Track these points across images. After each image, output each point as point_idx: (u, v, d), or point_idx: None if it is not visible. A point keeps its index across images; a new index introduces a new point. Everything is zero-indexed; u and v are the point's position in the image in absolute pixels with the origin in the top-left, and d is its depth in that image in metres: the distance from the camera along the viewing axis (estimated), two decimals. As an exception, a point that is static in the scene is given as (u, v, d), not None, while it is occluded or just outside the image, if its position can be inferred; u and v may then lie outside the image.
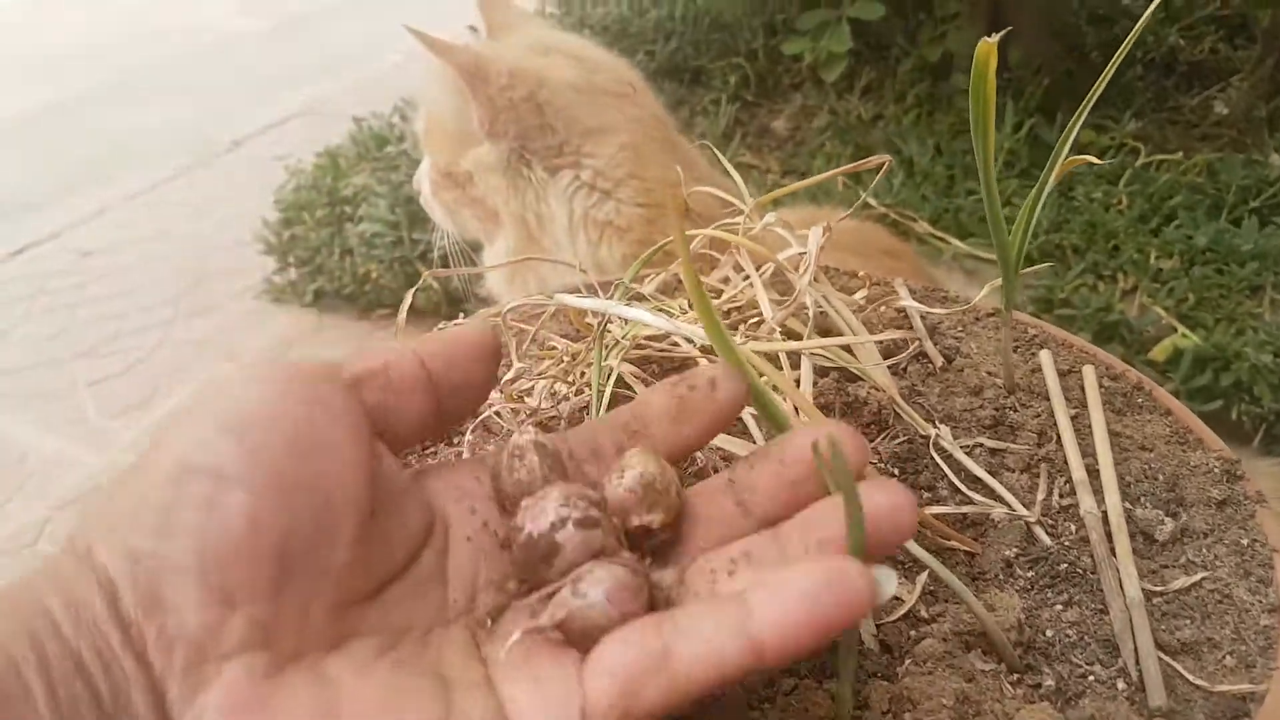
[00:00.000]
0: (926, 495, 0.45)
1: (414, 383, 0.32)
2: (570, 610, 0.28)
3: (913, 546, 0.40)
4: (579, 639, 0.29)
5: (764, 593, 0.27)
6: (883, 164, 0.59)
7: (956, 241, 1.42)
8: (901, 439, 0.48)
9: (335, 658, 0.28)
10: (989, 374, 0.52)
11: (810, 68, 2.13)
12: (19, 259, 2.09)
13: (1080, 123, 0.44)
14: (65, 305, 1.92)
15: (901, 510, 0.29)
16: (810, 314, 0.48)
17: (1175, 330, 1.28)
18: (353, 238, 1.64)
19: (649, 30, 2.25)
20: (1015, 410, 0.50)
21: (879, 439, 0.48)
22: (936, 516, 0.42)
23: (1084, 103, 0.43)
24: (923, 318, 0.56)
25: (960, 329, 0.57)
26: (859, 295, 0.50)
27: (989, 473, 0.46)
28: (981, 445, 0.48)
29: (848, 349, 0.49)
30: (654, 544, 0.33)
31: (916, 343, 0.49)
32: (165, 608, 0.26)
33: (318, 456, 0.29)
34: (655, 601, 0.30)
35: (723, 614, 0.27)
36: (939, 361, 0.53)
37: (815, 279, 0.48)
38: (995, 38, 0.37)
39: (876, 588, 0.26)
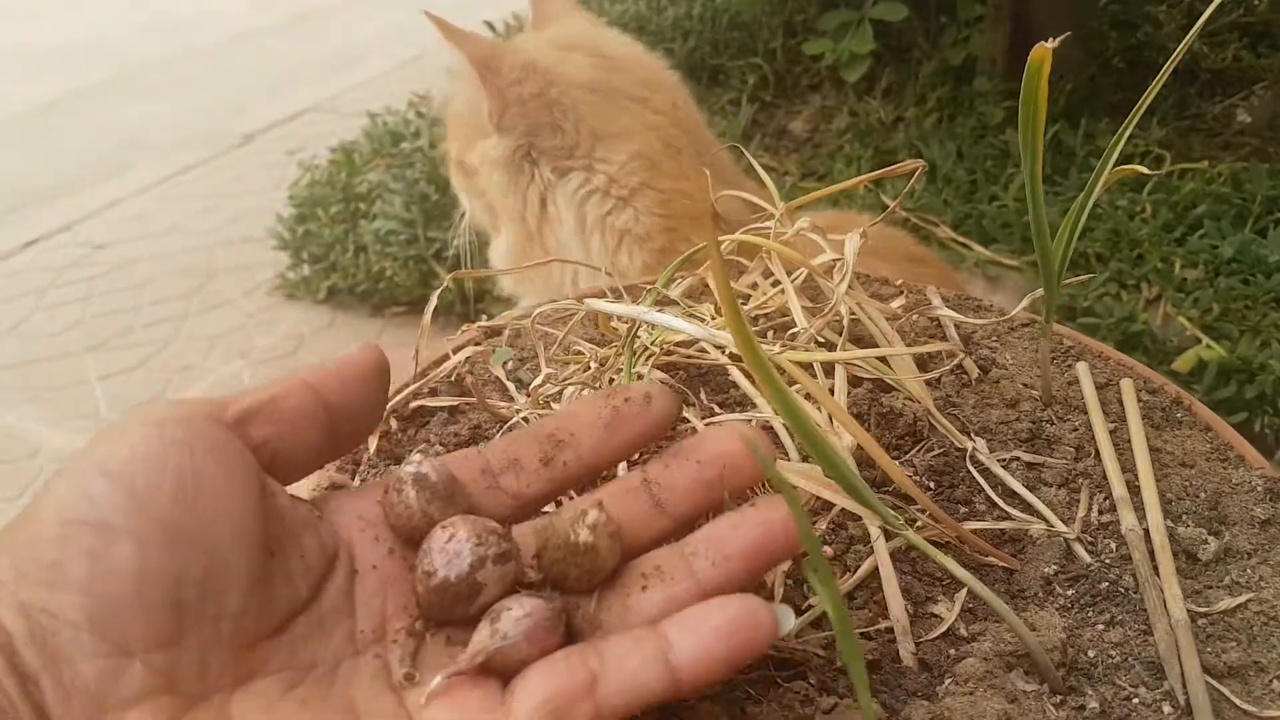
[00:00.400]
0: (963, 510, 0.45)
1: (304, 412, 0.33)
2: (489, 652, 0.30)
3: (950, 563, 0.40)
4: (498, 672, 0.30)
5: (681, 628, 0.29)
6: (915, 170, 0.59)
7: (979, 247, 1.41)
8: (937, 451, 0.47)
9: (241, 697, 0.28)
10: (1025, 386, 0.52)
11: (830, 69, 2.13)
12: (30, 251, 2.10)
13: (1127, 134, 0.43)
14: (77, 299, 1.92)
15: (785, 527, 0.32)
16: (844, 322, 0.47)
17: (1199, 341, 1.27)
18: (367, 235, 1.64)
19: (667, 28, 2.25)
20: (1052, 423, 0.50)
21: (914, 451, 0.47)
22: (974, 532, 0.42)
23: (1133, 113, 0.42)
24: (956, 327, 0.55)
25: (994, 339, 0.56)
26: (896, 304, 0.49)
27: (1026, 487, 0.45)
28: (1018, 459, 0.47)
29: (883, 359, 0.49)
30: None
31: (960, 355, 0.49)
32: (60, 659, 0.26)
33: (205, 501, 0.29)
34: (572, 622, 0.32)
35: (644, 646, 0.29)
36: (974, 373, 0.52)
37: (849, 286, 0.48)
38: (1053, 42, 0.36)
39: (778, 624, 0.30)
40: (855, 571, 0.40)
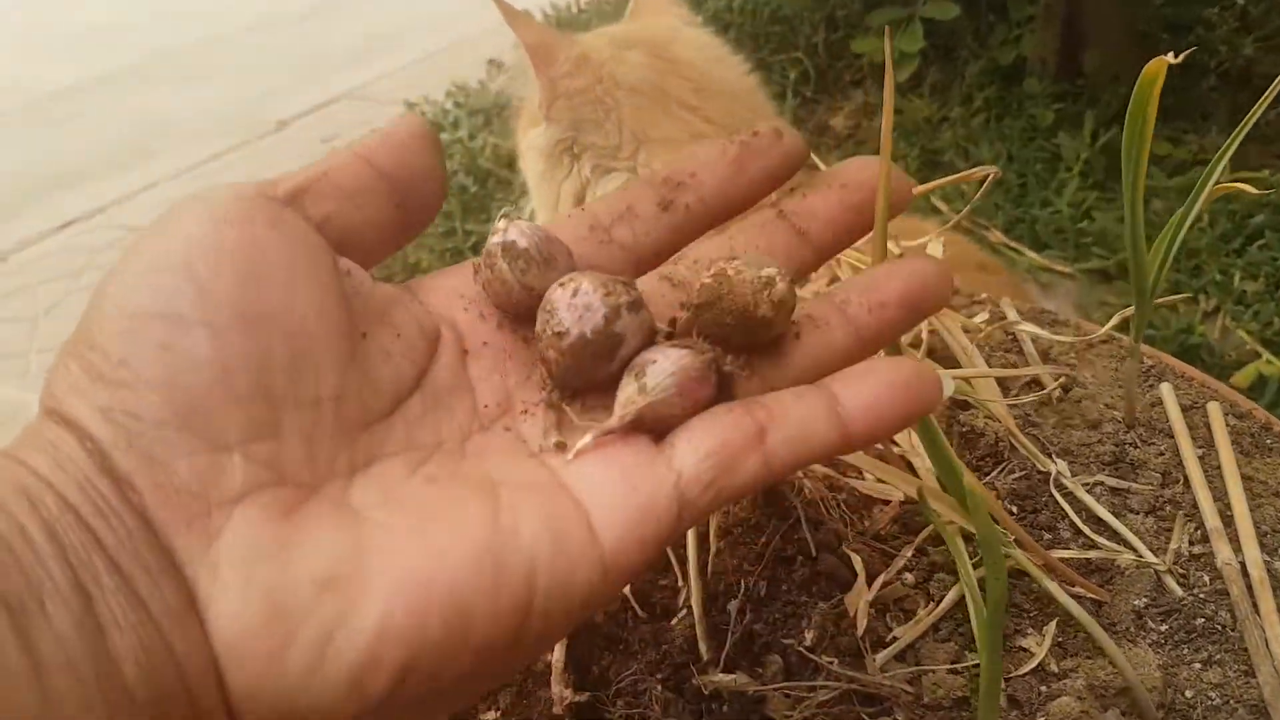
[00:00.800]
0: (1047, 537, 0.43)
1: (363, 184, 0.30)
2: (640, 407, 0.27)
3: (1056, 589, 0.39)
4: (648, 429, 0.28)
5: (849, 382, 0.28)
6: (988, 176, 0.58)
7: (1031, 253, 1.39)
8: (1018, 474, 0.46)
9: (361, 483, 0.26)
10: (1107, 406, 0.50)
11: (874, 65, 2.10)
12: (65, 233, 2.12)
13: (1233, 149, 0.42)
14: (109, 283, 1.93)
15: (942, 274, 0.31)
16: (924, 337, 0.46)
17: (1259, 356, 1.24)
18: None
19: (706, 21, 2.23)
20: (1136, 447, 0.48)
21: (995, 473, 0.46)
22: (1062, 561, 0.41)
23: (1239, 129, 0.41)
24: (1032, 341, 0.54)
25: (1073, 355, 0.55)
26: (979, 319, 0.48)
27: (1112, 514, 0.44)
28: (1102, 484, 0.46)
29: (965, 379, 0.47)
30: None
31: (1061, 377, 0.47)
32: (153, 461, 0.24)
33: (276, 279, 0.26)
34: (721, 372, 0.29)
35: (810, 398, 0.27)
36: (1055, 391, 0.51)
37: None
38: (1174, 58, 0.35)
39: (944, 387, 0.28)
40: (939, 601, 0.39)
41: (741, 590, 0.38)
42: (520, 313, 0.31)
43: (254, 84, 2.92)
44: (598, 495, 0.26)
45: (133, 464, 0.24)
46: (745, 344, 0.29)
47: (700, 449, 0.26)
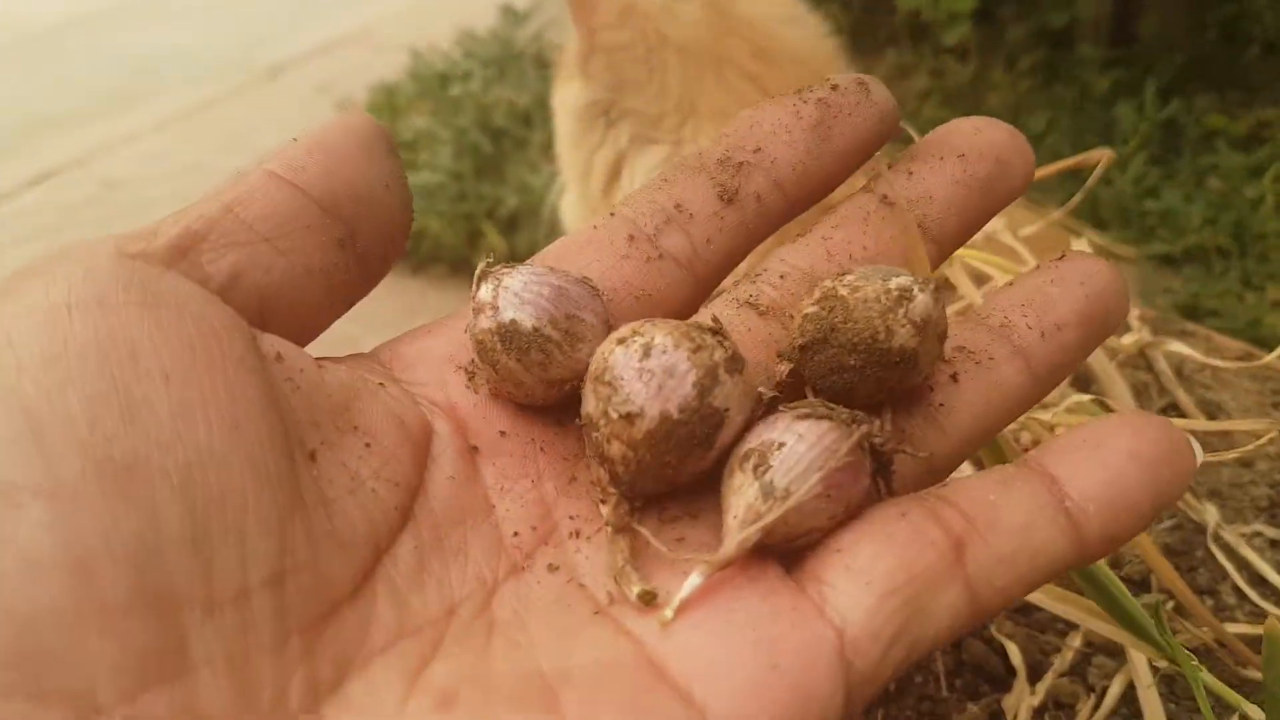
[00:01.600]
0: (1208, 601, 0.38)
1: (289, 217, 0.21)
2: (770, 521, 0.19)
3: (1211, 679, 0.33)
4: (778, 550, 0.20)
5: (1070, 457, 0.20)
6: (1100, 160, 0.53)
7: (1091, 233, 1.32)
8: (1168, 523, 0.40)
9: (339, 703, 0.18)
10: (1256, 438, 0.45)
11: (908, 24, 2.03)
12: (41, 188, 2.05)
13: None
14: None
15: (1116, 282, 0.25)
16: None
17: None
18: (410, 186, 1.56)
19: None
20: (1297, 489, 0.43)
21: (1141, 521, 0.40)
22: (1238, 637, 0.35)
23: None
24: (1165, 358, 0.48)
25: (1209, 374, 0.49)
26: (1128, 339, 0.42)
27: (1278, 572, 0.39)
28: (1260, 535, 0.41)
29: (1100, 400, 0.42)
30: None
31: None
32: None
33: (151, 398, 0.18)
34: (872, 447, 0.21)
35: (1024, 487, 0.20)
36: (1199, 420, 0.45)
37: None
38: None
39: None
40: (1102, 694, 0.33)
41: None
42: (550, 403, 0.23)
43: (241, 25, 2.83)
44: (716, 682, 0.18)
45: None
46: (882, 395, 0.22)
47: (874, 584, 0.18)
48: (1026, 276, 0.25)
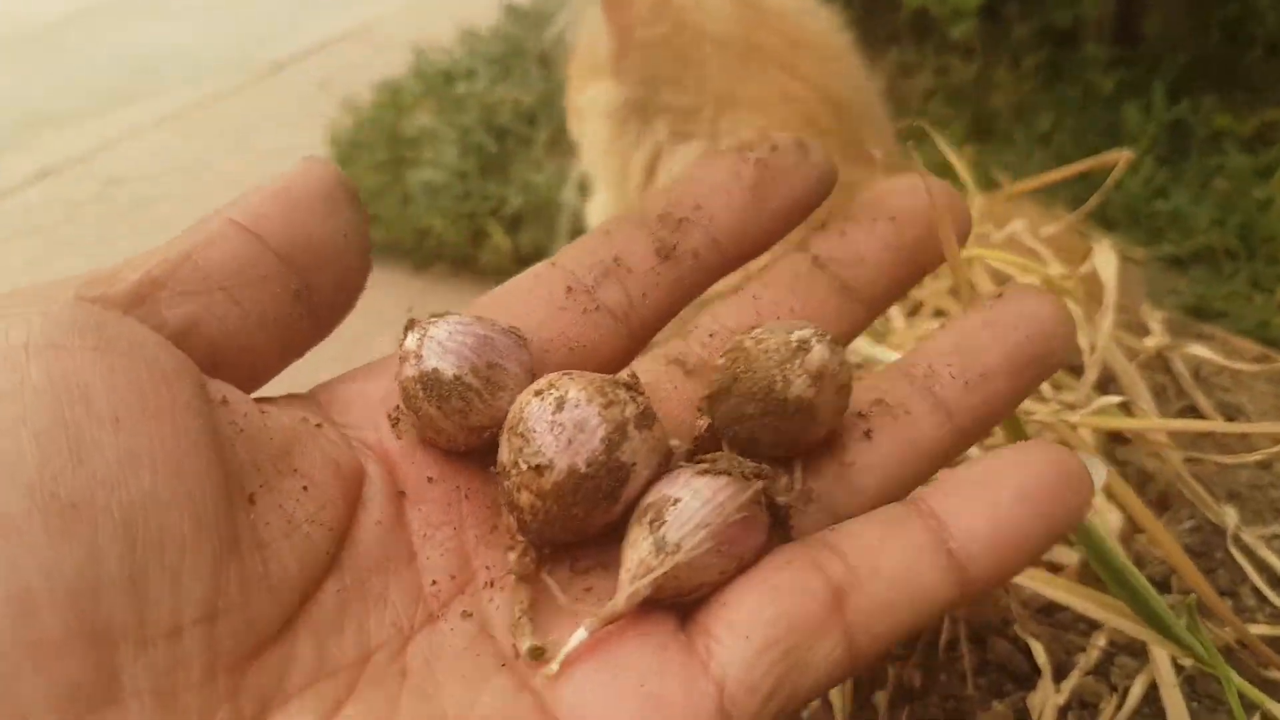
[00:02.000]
0: (1228, 604, 0.38)
1: (246, 267, 0.22)
2: (659, 576, 0.20)
3: (1237, 679, 0.34)
4: (669, 604, 0.21)
5: (956, 496, 0.21)
6: (1118, 161, 0.54)
7: (1101, 236, 1.33)
8: (1188, 524, 0.41)
9: None
10: (1275, 440, 0.45)
11: (910, 21, 2.03)
12: (42, 184, 2.05)
13: None
14: (92, 239, 1.86)
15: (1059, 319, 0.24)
16: (1090, 363, 0.41)
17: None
18: (414, 185, 1.57)
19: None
20: (1316, 491, 0.43)
21: (1162, 521, 0.41)
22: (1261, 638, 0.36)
23: None
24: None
25: (1226, 376, 0.49)
26: (1150, 341, 0.43)
27: (1299, 575, 0.39)
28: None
29: (1124, 406, 0.42)
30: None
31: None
32: None
33: (99, 441, 0.19)
34: (772, 503, 0.22)
35: (905, 531, 0.21)
36: (1217, 422, 0.45)
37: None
38: None
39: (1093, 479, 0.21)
40: (1125, 694, 0.34)
41: (890, 680, 0.33)
42: (473, 449, 0.23)
43: (242, 22, 2.83)
44: None
45: None
46: (785, 447, 0.22)
47: (752, 638, 0.19)
48: (959, 319, 0.25)
